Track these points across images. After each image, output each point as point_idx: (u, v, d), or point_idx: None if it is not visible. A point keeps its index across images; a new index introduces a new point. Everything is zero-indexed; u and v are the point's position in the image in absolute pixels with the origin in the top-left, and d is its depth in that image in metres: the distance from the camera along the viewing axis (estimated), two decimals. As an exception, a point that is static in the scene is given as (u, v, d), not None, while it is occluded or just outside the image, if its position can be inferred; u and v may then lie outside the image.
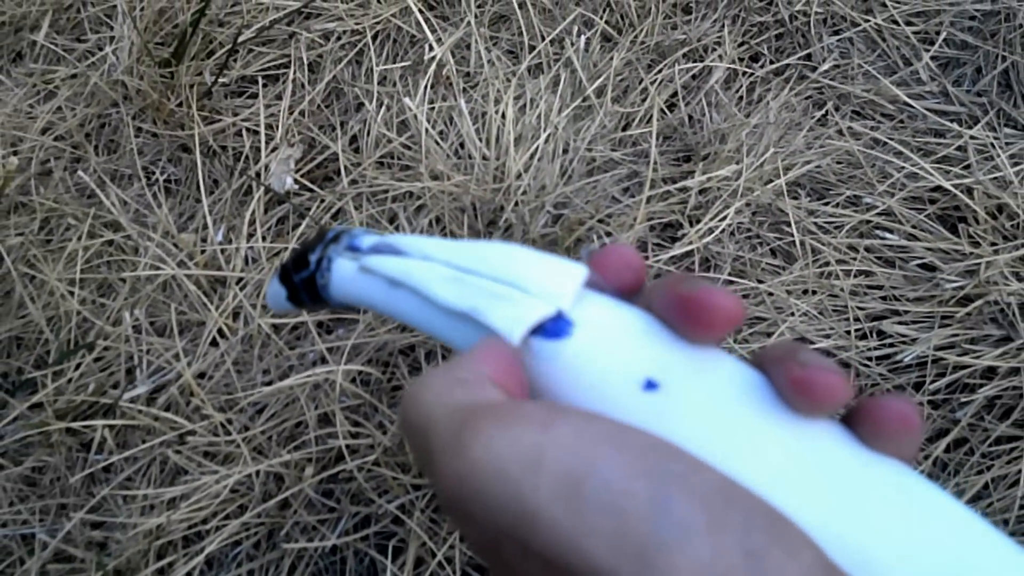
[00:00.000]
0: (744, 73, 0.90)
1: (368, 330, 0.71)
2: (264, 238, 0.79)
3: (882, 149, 0.84)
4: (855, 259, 0.78)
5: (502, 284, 0.24)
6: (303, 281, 0.29)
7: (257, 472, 0.66)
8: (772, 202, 0.80)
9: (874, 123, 0.87)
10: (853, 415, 0.21)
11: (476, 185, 0.77)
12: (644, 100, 0.86)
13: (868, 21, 0.93)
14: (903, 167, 0.82)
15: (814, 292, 0.76)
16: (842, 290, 0.76)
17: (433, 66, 0.85)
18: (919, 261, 0.78)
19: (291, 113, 0.86)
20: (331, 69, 0.88)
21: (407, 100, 0.82)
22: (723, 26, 0.92)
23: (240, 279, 0.75)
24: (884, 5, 0.94)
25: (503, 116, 0.80)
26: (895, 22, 0.93)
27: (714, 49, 0.90)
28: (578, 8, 0.91)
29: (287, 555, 0.66)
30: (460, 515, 0.19)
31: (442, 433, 0.19)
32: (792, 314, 0.74)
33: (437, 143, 0.81)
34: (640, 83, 0.87)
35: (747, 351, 0.72)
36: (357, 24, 0.90)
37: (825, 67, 0.90)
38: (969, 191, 0.80)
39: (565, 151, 0.79)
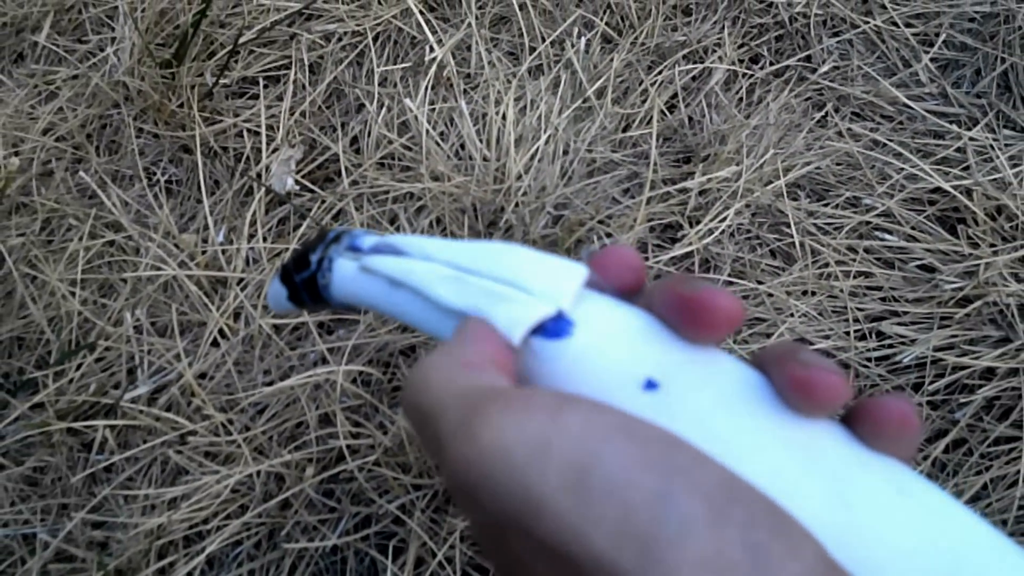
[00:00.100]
0: (744, 75, 0.90)
1: (369, 331, 0.71)
2: (265, 239, 0.79)
3: (881, 150, 0.85)
4: (854, 260, 0.78)
5: (503, 284, 0.24)
6: (304, 281, 0.29)
7: (258, 472, 0.66)
8: (772, 203, 0.80)
9: (874, 124, 0.87)
10: (852, 415, 0.21)
11: (476, 186, 0.77)
12: (644, 101, 0.86)
13: (868, 23, 0.93)
14: (902, 168, 0.82)
15: (813, 293, 0.76)
16: (841, 291, 0.76)
17: (434, 67, 0.85)
18: (918, 262, 0.78)
19: (292, 114, 0.86)
20: (332, 70, 0.89)
21: (408, 101, 0.83)
22: (723, 28, 0.92)
23: (241, 280, 0.75)
24: (884, 7, 0.94)
25: (503, 117, 0.80)
26: (895, 24, 0.93)
27: (714, 51, 0.91)
28: (578, 10, 0.91)
29: (288, 555, 0.66)
30: (466, 500, 0.19)
31: (451, 417, 0.19)
32: (792, 315, 0.74)
33: (438, 144, 0.81)
34: (640, 84, 0.87)
35: (747, 351, 0.72)
36: (358, 25, 0.90)
37: (825, 69, 0.90)
38: (968, 192, 0.80)
39: (565, 152, 0.80)
